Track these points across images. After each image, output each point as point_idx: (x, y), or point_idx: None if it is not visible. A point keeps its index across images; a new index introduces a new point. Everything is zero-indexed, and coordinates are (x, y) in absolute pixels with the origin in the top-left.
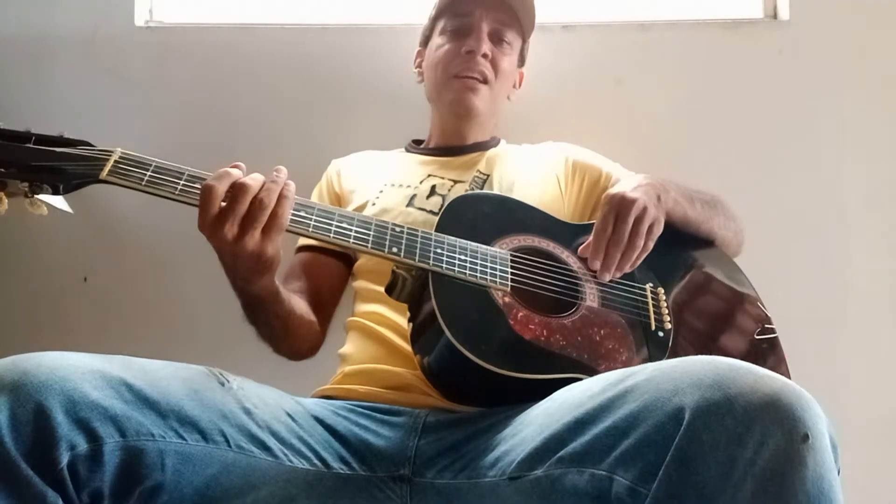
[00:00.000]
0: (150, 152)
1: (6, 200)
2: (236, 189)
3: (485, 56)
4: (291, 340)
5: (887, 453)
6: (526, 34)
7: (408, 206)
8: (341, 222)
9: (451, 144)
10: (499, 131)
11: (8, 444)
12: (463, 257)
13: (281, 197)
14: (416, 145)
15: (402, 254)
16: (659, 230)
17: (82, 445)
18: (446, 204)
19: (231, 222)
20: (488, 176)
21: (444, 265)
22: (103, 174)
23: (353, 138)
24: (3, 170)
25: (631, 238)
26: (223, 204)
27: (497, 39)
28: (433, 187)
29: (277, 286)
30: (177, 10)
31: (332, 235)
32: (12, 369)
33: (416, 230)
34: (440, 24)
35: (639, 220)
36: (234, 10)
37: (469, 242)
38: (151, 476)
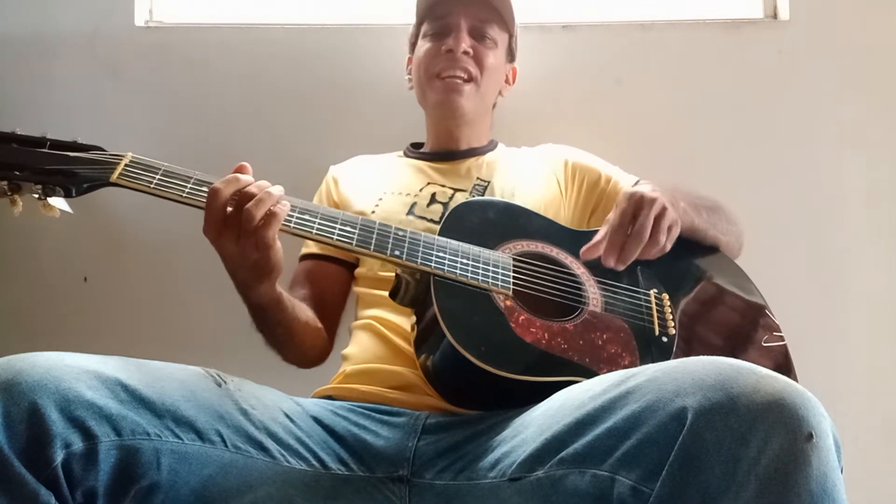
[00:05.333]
0: (149, 152)
1: (20, 202)
2: (239, 196)
3: (466, 53)
4: (297, 347)
5: (889, 452)
6: (510, 29)
7: (408, 214)
8: (345, 226)
9: (448, 149)
10: (496, 134)
11: (1, 442)
12: (465, 261)
13: (268, 214)
14: (415, 149)
15: (404, 257)
16: (677, 232)
17: (77, 444)
18: (450, 209)
19: (231, 229)
20: (489, 182)
21: (445, 269)
22: (114, 177)
23: (353, 138)
24: (18, 173)
25: (653, 234)
26: (229, 209)
27: (479, 35)
28: (433, 195)
29: (279, 293)
30: (177, 10)
31: (335, 239)
32: (7, 368)
33: (419, 234)
34: (423, 29)
35: (660, 217)
36: (234, 10)
37: (472, 247)
38: (147, 475)
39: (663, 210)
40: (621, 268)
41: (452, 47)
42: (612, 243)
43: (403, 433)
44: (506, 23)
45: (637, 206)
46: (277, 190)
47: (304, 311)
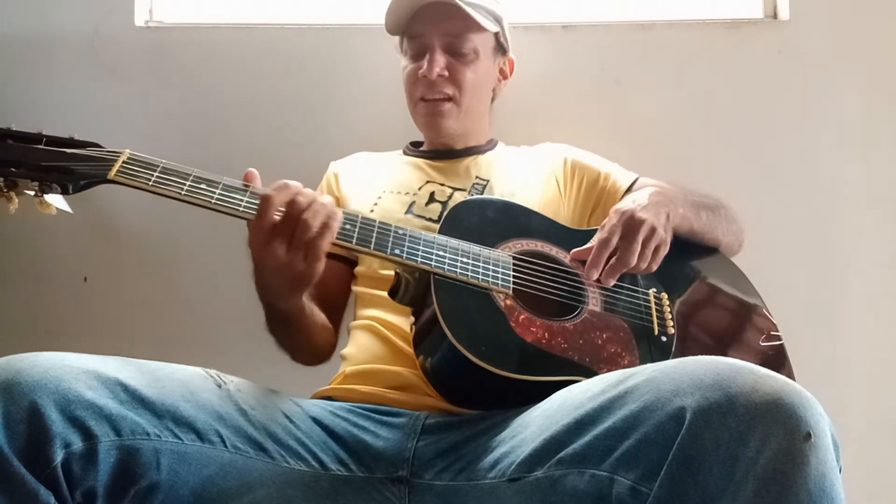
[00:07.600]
0: (149, 152)
1: (17, 199)
2: (289, 205)
3: (441, 76)
4: (311, 349)
5: (888, 452)
6: (495, 26)
7: (406, 212)
8: (344, 224)
9: (446, 147)
10: (496, 134)
11: (1, 441)
12: (465, 260)
13: (323, 226)
14: (415, 147)
15: (404, 255)
16: (664, 251)
17: (77, 444)
18: (450, 208)
19: (282, 238)
20: (488, 182)
21: (446, 267)
22: (111, 174)
23: (353, 138)
24: (14, 170)
25: (639, 258)
26: (277, 217)
27: (454, 51)
28: (432, 194)
29: (304, 302)
30: (177, 10)
31: (335, 237)
32: (7, 368)
33: (419, 233)
34: (403, 44)
35: (646, 242)
36: (234, 10)
37: (471, 245)
38: (147, 475)
39: (651, 232)
40: (608, 284)
41: (426, 73)
42: (597, 258)
43: (403, 434)
44: (483, 27)
45: (626, 227)
46: (328, 200)
47: (319, 314)
